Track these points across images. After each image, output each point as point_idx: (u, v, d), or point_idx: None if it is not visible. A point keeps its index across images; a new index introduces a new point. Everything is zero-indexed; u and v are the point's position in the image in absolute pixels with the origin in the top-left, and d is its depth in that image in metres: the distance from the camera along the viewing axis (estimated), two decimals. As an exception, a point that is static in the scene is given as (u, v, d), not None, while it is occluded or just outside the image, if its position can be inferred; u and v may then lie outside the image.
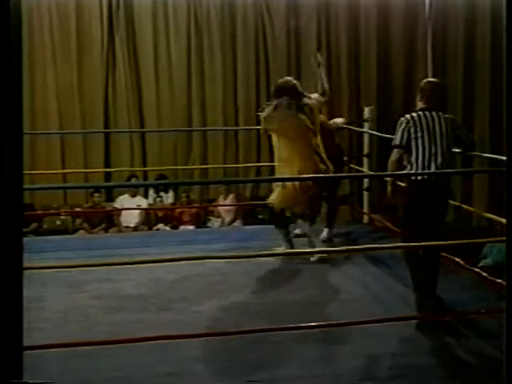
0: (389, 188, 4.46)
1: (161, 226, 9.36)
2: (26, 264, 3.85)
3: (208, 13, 9.67)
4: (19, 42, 2.61)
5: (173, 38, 9.66)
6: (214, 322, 4.33)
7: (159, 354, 3.77)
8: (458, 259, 4.93)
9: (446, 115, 4.39)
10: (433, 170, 4.26)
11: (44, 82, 9.42)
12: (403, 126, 4.33)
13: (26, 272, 3.82)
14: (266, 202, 5.73)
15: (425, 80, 4.63)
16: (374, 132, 7.08)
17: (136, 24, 9.57)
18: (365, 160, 7.20)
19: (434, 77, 6.95)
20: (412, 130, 4.29)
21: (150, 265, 5.01)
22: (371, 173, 7.24)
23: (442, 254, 4.63)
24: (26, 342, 3.22)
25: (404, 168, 4.42)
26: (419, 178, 4.30)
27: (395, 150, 4.37)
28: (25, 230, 8.54)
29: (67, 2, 9.36)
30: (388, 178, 4.65)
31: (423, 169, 4.27)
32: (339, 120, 7.19)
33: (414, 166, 4.29)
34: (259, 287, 5.05)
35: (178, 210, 9.51)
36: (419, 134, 4.27)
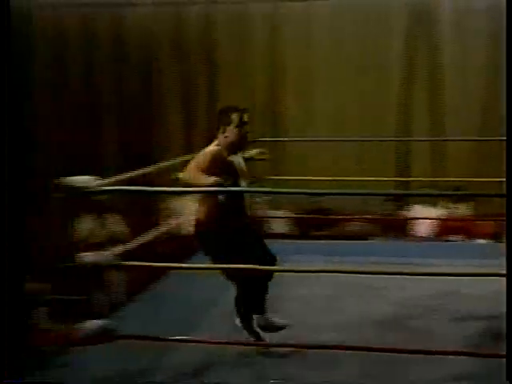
0: None
1: (451, 237, 9.17)
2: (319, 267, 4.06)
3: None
4: (19, 43, 2.67)
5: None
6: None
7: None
8: None
9: None
10: None
11: (344, 90, 9.86)
12: None
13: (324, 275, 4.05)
14: None
15: None
16: None
17: (437, 36, 9.59)
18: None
19: None
20: None
21: (440, 277, 5.00)
22: None
23: None
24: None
25: None
26: None
27: None
28: (321, 233, 9.05)
29: (369, 11, 9.69)
30: None
31: None
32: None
33: None
34: None
35: (472, 223, 9.19)
36: None
